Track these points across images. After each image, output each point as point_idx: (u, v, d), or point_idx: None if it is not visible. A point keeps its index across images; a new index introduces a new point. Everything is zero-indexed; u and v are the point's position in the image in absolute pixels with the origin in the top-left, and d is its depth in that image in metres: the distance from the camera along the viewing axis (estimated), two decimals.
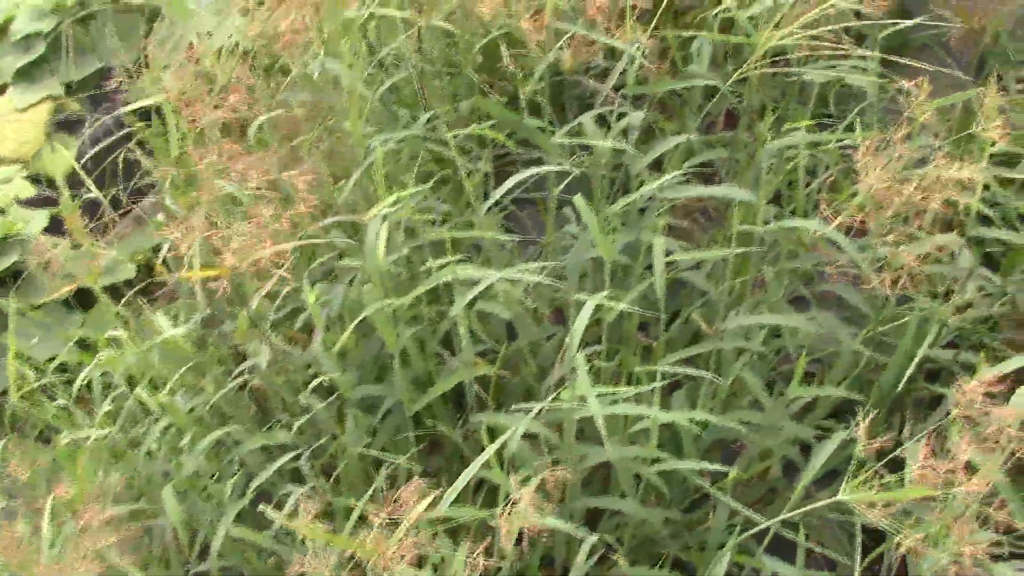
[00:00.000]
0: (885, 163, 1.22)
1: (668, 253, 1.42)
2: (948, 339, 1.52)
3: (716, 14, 1.59)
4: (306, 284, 1.40)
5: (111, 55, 2.54)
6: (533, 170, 1.43)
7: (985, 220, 1.47)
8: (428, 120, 1.56)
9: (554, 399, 1.28)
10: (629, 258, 1.52)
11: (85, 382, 1.75)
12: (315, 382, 1.47)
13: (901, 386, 1.35)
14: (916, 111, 1.22)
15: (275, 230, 1.36)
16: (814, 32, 1.45)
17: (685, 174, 1.72)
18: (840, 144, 1.47)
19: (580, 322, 1.27)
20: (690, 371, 1.37)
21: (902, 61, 1.46)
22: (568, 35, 1.45)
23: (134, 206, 2.47)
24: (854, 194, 1.24)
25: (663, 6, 1.67)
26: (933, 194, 1.23)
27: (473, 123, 1.59)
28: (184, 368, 1.64)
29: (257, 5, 1.78)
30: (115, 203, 2.44)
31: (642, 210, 1.56)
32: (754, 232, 1.39)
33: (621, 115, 1.53)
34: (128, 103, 2.00)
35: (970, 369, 1.51)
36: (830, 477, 1.43)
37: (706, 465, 1.32)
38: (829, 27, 1.42)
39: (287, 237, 1.40)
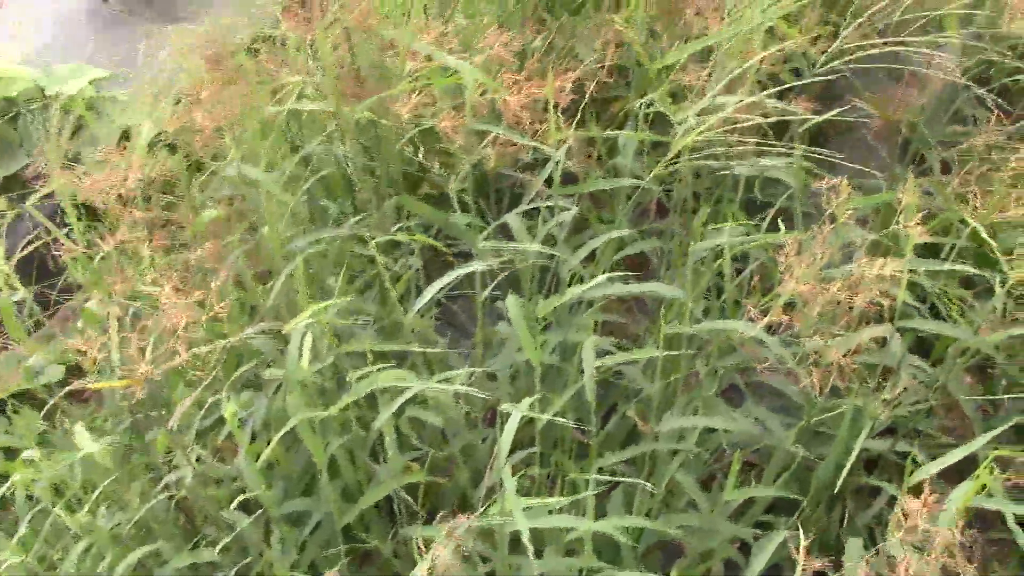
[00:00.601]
0: (809, 262, 1.21)
1: (601, 354, 1.39)
2: (884, 426, 1.50)
3: (641, 105, 1.59)
4: (225, 398, 1.34)
5: (39, 150, 2.48)
6: (458, 271, 1.39)
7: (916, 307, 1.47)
8: (355, 219, 1.53)
9: (483, 512, 1.23)
10: (561, 358, 1.49)
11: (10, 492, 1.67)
12: (240, 497, 1.41)
13: (839, 482, 1.32)
14: (837, 211, 1.21)
15: (191, 338, 1.32)
16: (736, 126, 1.44)
17: (617, 267, 1.71)
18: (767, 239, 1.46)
19: (507, 433, 1.23)
20: (624, 479, 1.33)
21: (824, 155, 1.46)
22: (490, 136, 1.43)
23: (62, 304, 2.39)
24: (779, 295, 1.23)
25: (588, 97, 1.67)
26: (859, 291, 1.22)
27: (401, 220, 1.56)
28: (107, 481, 1.57)
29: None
30: (44, 302, 2.37)
31: (579, 302, 1.53)
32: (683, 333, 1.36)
33: (552, 208, 1.51)
34: (58, 199, 1.94)
35: (906, 457, 1.50)
36: (774, 571, 1.39)
37: (645, 575, 1.28)
38: (751, 120, 1.42)
39: (211, 341, 1.35)
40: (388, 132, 1.50)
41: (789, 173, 1.47)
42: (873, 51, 1.43)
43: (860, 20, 1.37)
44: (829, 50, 1.38)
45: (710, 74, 1.39)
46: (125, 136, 2.56)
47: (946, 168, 1.84)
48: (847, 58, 1.36)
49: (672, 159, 1.32)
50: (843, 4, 1.60)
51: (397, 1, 1.69)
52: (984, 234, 1.25)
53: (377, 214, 1.53)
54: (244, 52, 2.11)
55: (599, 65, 1.74)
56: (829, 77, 1.56)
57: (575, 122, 1.65)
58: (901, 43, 1.38)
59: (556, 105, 1.45)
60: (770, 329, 1.26)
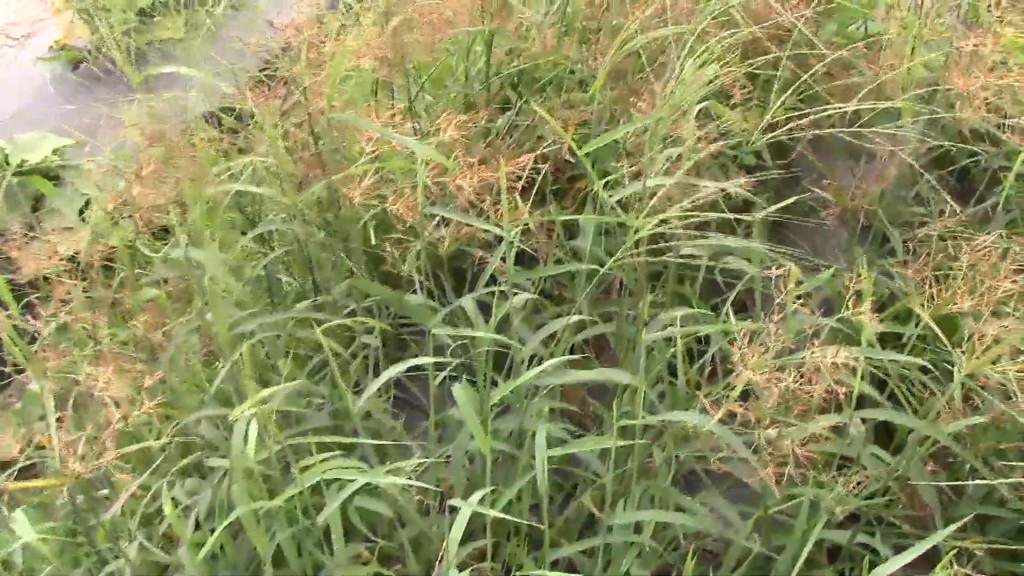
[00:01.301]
0: (762, 351, 1.19)
1: (555, 442, 1.36)
2: (846, 514, 1.47)
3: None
4: (165, 489, 1.30)
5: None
6: (407, 363, 1.36)
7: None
8: (308, 302, 1.50)
9: None
10: (517, 443, 1.46)
11: None
12: None
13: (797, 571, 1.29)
14: (786, 298, 1.19)
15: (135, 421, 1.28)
16: (692, 211, 1.43)
17: (578, 348, 1.69)
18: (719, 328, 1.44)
19: (457, 529, 1.19)
20: None
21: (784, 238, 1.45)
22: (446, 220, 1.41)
23: (18, 376, 2.34)
24: (733, 386, 1.20)
25: (550, 178, 1.66)
26: (814, 381, 1.20)
27: (358, 299, 1.53)
28: (47, 569, 1.51)
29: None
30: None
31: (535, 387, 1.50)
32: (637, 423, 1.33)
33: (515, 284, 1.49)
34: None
35: (868, 549, 1.46)
36: None
37: None
38: (696, 204, 1.41)
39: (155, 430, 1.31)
40: (346, 212, 1.48)
41: (748, 256, 1.46)
42: (831, 127, 1.43)
43: (816, 110, 1.36)
44: (773, 134, 1.38)
45: (639, 160, 1.39)
46: (89, 205, 2.54)
47: (909, 248, 1.84)
48: (802, 134, 1.35)
49: (625, 252, 1.31)
50: (800, 89, 1.60)
51: (363, 80, 1.69)
52: (935, 328, 1.23)
53: (332, 295, 1.51)
54: (204, 124, 2.10)
55: (562, 144, 1.74)
56: (784, 162, 1.56)
57: (540, 199, 1.64)
58: (858, 132, 1.38)
59: (510, 189, 1.43)
60: (727, 419, 1.24)
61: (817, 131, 1.39)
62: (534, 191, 1.57)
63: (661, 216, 1.34)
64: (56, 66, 3.15)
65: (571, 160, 1.79)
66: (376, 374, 1.63)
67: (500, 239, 1.49)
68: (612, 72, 1.63)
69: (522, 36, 1.85)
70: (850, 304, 1.21)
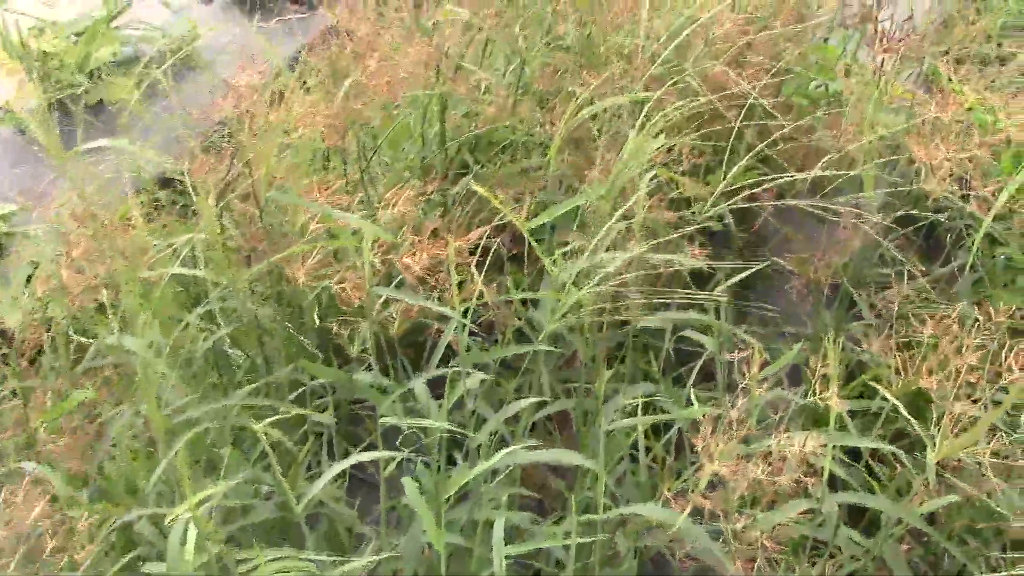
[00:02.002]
0: (727, 440, 1.13)
1: (512, 532, 1.29)
2: None
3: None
4: None
5: None
6: (356, 458, 1.29)
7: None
8: (249, 388, 1.43)
9: None
10: (474, 532, 1.38)
11: None
12: None
13: None
14: (751, 383, 1.14)
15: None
16: (652, 280, 1.38)
17: (539, 426, 1.62)
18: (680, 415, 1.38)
19: None
20: None
21: (748, 305, 1.40)
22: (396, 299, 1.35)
23: None
24: (697, 479, 1.14)
25: (505, 250, 1.61)
26: (782, 469, 1.14)
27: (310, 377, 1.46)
28: None
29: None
30: None
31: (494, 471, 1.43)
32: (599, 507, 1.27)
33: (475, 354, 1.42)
34: None
35: None
36: None
37: None
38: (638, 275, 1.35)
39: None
40: (293, 291, 1.42)
41: (705, 338, 1.40)
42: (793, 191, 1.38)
43: (774, 178, 1.32)
44: (731, 201, 1.33)
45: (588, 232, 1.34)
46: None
47: (876, 310, 1.79)
48: (764, 203, 1.30)
49: (563, 315, 1.25)
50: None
51: (310, 148, 1.62)
52: (903, 411, 1.18)
53: (278, 377, 1.43)
54: (148, 193, 2.03)
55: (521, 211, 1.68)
56: (748, 226, 1.52)
57: (500, 266, 1.58)
58: (820, 203, 1.33)
59: (463, 263, 1.37)
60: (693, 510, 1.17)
61: (777, 202, 1.35)
62: (492, 256, 1.52)
63: (612, 282, 1.29)
64: (2, 129, 3.07)
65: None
66: (330, 453, 1.56)
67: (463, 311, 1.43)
68: (568, 139, 1.59)
69: (477, 100, 1.80)
70: (817, 387, 1.16)
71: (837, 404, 1.14)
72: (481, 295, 1.43)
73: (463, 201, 1.84)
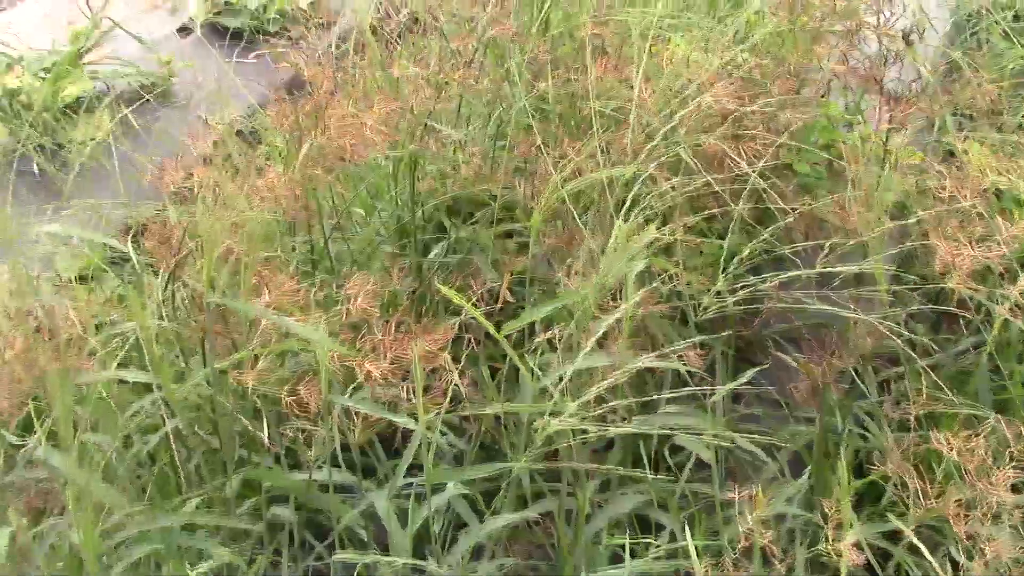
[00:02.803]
0: None
1: None
2: None
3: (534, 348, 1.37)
4: None
5: None
6: None
7: None
8: (196, 502, 1.27)
9: None
10: None
11: None
12: None
13: None
14: (754, 531, 0.98)
15: None
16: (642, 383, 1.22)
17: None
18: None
19: None
20: None
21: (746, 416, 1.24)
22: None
23: None
24: None
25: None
26: None
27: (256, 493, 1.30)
28: None
29: None
30: None
31: None
32: None
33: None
34: None
35: None
36: None
37: None
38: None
39: None
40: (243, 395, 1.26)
41: (698, 445, 1.25)
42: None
43: (777, 277, 1.17)
44: (731, 298, 1.18)
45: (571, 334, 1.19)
46: None
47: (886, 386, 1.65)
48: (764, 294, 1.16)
49: (544, 446, 1.10)
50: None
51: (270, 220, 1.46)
52: (922, 547, 1.03)
53: (227, 492, 1.27)
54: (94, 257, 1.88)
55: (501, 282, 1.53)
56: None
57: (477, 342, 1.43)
58: (826, 298, 1.19)
59: (432, 356, 1.21)
60: None
61: (780, 295, 1.20)
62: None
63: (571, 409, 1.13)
64: None
65: (511, 298, 1.58)
66: (291, 546, 1.40)
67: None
68: (551, 212, 1.43)
69: (451, 160, 1.64)
70: (829, 535, 1.00)
71: (851, 558, 0.99)
72: (454, 399, 1.28)
73: (439, 269, 1.69)
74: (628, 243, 1.09)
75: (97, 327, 1.85)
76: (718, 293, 1.20)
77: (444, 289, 1.17)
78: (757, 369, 1.24)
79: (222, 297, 1.15)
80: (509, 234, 1.72)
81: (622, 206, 1.33)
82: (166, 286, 1.35)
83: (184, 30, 3.18)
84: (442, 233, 1.79)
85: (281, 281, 1.32)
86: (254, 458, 1.42)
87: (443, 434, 1.50)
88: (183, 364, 1.46)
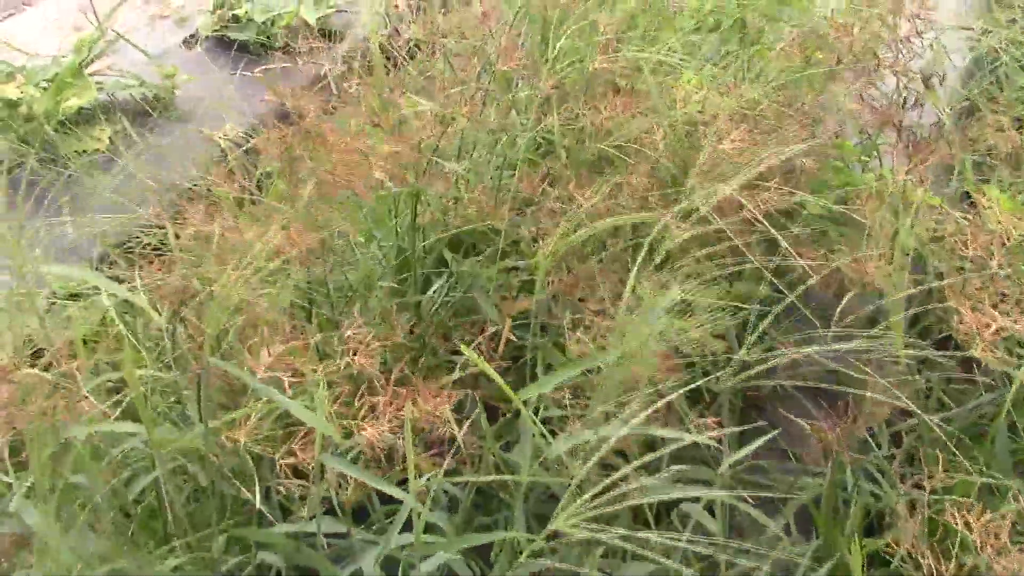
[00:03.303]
0: None
1: None
2: None
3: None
4: None
5: None
6: None
7: None
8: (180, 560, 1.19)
9: None
10: None
11: None
12: None
13: None
14: None
15: None
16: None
17: None
18: None
19: None
20: None
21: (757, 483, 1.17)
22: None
23: None
24: None
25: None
26: None
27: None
28: None
29: None
30: None
31: None
32: None
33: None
34: None
35: None
36: None
37: None
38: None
39: None
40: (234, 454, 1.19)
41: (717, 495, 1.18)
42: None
43: (790, 353, 1.10)
44: (746, 374, 1.11)
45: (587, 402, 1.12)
46: None
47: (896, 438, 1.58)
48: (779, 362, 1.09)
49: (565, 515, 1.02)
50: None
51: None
52: None
53: (208, 540, 1.20)
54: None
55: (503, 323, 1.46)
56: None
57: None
58: (837, 369, 1.12)
59: (430, 422, 1.14)
60: None
61: (796, 354, 1.13)
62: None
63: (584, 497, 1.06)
64: None
65: (514, 338, 1.51)
66: None
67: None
68: (559, 258, 1.36)
69: (454, 196, 1.57)
70: None
71: None
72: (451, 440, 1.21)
73: (439, 308, 1.62)
74: (652, 303, 1.03)
75: (87, 343, 1.78)
76: (742, 363, 1.13)
77: (466, 350, 1.09)
78: (767, 436, 1.17)
79: (222, 361, 1.08)
80: (512, 267, 1.65)
81: (633, 251, 1.26)
82: (167, 328, 1.28)
83: (189, 43, 3.11)
84: (443, 267, 1.72)
85: (280, 327, 1.26)
86: (245, 502, 1.35)
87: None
88: (178, 404, 1.40)
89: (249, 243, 1.17)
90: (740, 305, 1.24)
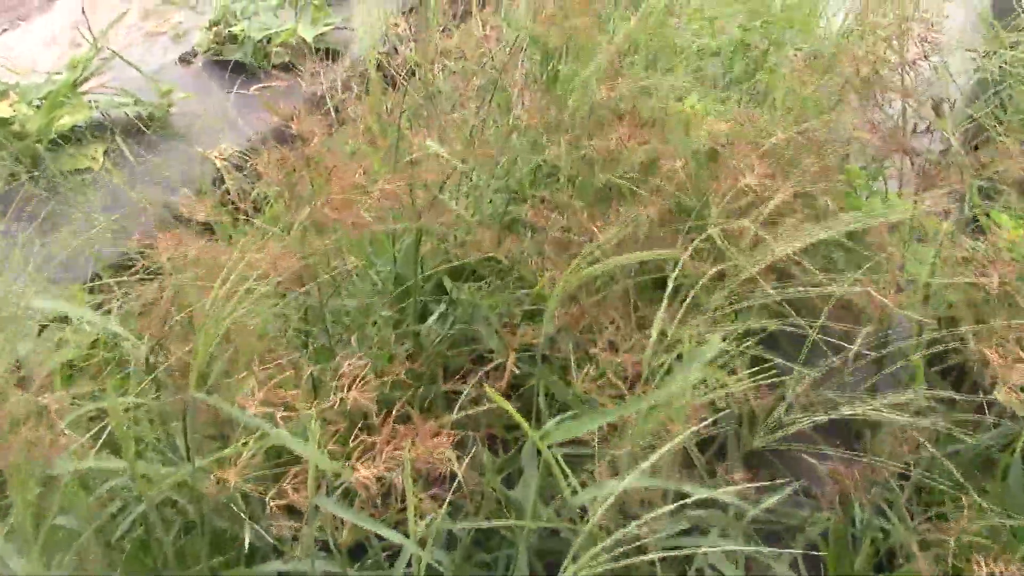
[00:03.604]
0: None
1: None
2: None
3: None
4: None
5: None
6: None
7: None
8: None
9: None
10: None
11: None
12: None
13: None
14: None
15: None
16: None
17: None
18: None
19: None
20: None
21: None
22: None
23: None
24: None
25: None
26: None
27: None
28: None
29: None
30: None
31: None
32: None
33: None
34: None
35: None
36: None
37: None
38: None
39: None
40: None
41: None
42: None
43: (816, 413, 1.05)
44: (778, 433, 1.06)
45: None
46: None
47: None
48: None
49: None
50: None
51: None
52: None
53: None
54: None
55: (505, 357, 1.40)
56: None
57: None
58: (861, 411, 1.07)
59: (432, 463, 1.09)
60: None
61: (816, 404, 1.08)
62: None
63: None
64: None
65: (516, 369, 1.45)
66: None
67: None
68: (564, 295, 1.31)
69: (459, 233, 1.52)
70: None
71: None
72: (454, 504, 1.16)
73: (440, 339, 1.56)
74: (692, 355, 0.97)
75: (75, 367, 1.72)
76: (777, 421, 1.08)
77: (492, 393, 1.04)
78: (787, 491, 1.11)
79: (208, 395, 1.02)
80: (515, 298, 1.60)
81: (643, 286, 1.22)
82: (149, 358, 1.23)
83: (186, 60, 3.07)
84: (442, 293, 1.67)
85: (270, 357, 1.21)
86: (237, 536, 1.29)
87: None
88: (165, 438, 1.34)
89: (229, 267, 1.11)
90: (773, 361, 1.18)
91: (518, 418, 1.05)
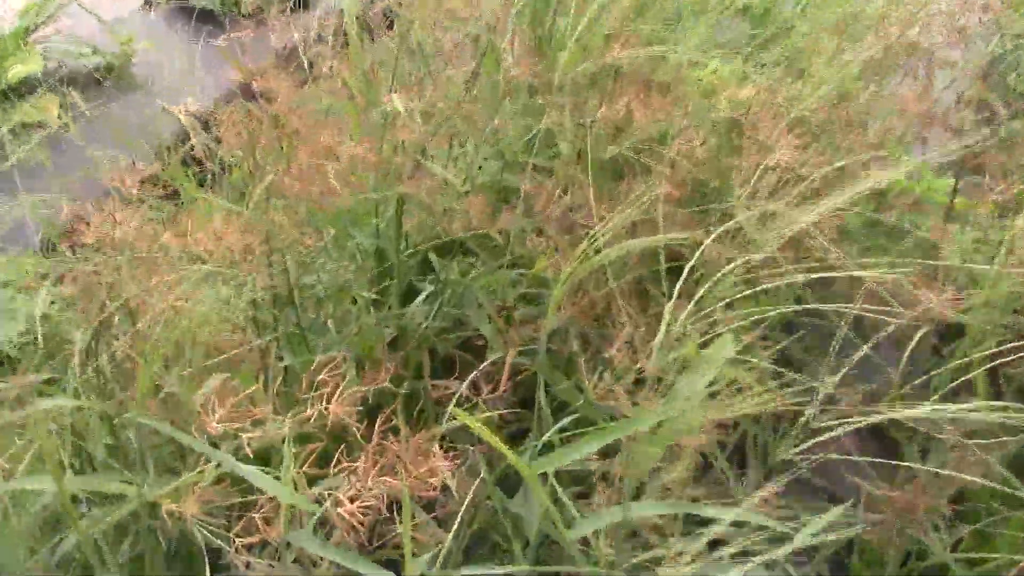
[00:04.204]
0: None
1: None
2: None
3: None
4: None
5: None
6: None
7: None
8: None
9: None
10: None
11: None
12: None
13: None
14: None
15: None
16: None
17: None
18: None
19: None
20: None
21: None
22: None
23: None
24: None
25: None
26: None
27: None
28: None
29: None
30: None
31: None
32: None
33: None
34: None
35: None
36: None
37: None
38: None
39: None
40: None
41: None
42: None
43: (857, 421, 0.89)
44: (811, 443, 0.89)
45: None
46: None
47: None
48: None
49: None
50: None
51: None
52: None
53: None
54: None
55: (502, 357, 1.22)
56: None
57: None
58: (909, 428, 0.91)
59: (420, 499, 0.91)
60: None
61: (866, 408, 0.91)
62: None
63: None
64: None
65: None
66: None
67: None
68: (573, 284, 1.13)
69: (445, 203, 1.33)
70: None
71: None
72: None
73: (425, 326, 1.38)
74: (700, 358, 0.80)
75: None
76: (805, 428, 0.92)
77: (466, 418, 0.86)
78: (836, 511, 0.95)
79: (158, 420, 0.83)
80: (512, 280, 1.42)
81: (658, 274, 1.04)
82: (87, 355, 1.03)
83: (148, 4, 2.82)
84: (429, 271, 1.48)
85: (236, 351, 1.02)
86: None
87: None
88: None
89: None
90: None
91: (504, 450, 0.88)
